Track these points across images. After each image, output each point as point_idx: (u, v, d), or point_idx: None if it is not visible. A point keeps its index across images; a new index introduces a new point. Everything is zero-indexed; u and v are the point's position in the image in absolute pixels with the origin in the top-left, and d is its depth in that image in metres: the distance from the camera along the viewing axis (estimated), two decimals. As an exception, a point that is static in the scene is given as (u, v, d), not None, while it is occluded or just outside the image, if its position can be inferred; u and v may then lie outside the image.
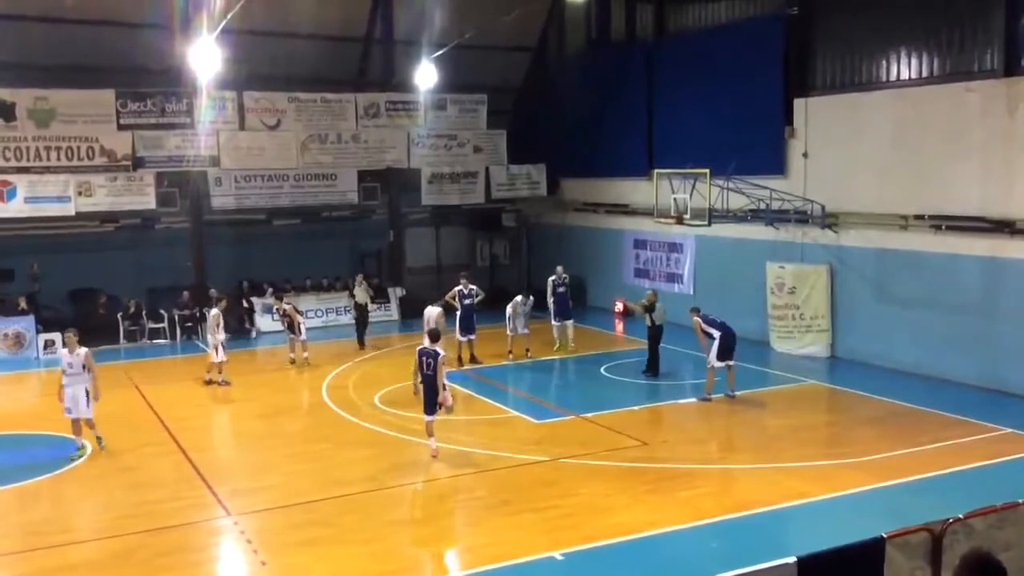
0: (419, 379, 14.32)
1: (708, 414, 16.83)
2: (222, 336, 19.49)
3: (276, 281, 26.68)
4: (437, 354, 14.16)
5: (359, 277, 24.38)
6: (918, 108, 18.88)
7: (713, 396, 17.38)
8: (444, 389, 14.18)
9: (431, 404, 14.20)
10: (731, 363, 17.52)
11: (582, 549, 10.72)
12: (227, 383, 19.41)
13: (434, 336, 14.71)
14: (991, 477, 12.97)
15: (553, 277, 22.59)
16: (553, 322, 22.45)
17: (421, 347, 14.44)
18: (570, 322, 22.43)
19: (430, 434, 14.35)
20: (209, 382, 19.53)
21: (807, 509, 12.00)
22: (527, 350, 21.61)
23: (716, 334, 17.37)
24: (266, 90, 26.08)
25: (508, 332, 21.58)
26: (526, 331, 21.65)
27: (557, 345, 22.29)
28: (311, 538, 11.32)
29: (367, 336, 23.72)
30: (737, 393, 17.56)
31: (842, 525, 10.98)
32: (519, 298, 21.94)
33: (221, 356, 19.40)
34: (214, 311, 19.77)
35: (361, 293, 23.67)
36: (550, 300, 22.45)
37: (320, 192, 26.92)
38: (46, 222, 23.76)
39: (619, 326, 26.27)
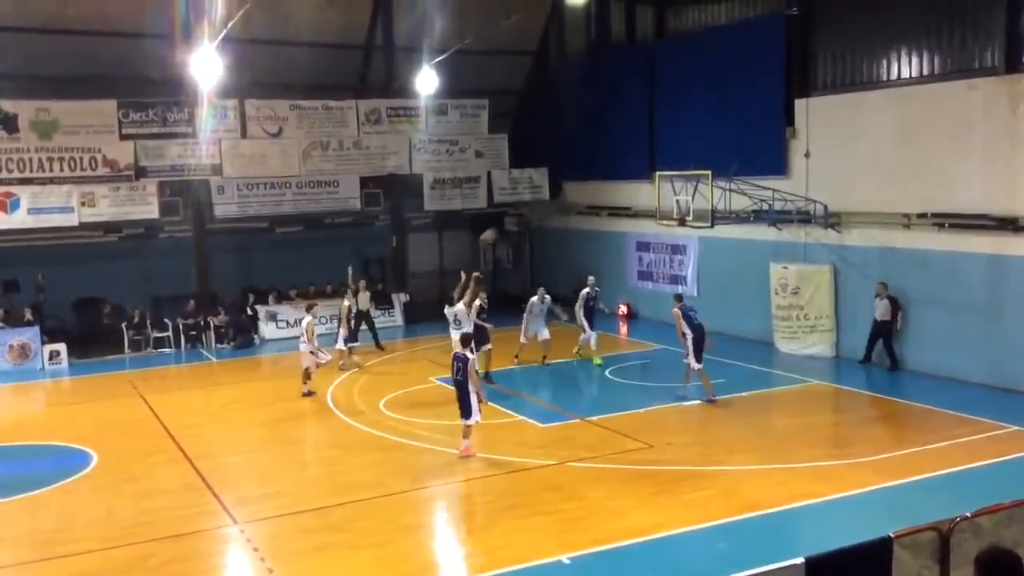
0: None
1: (712, 416, 16.81)
2: (317, 344, 19.09)
3: (281, 288, 26.73)
4: (466, 359, 14.33)
5: (363, 283, 23.98)
6: (920, 107, 18.87)
7: (717, 396, 17.38)
8: (475, 391, 14.34)
9: (462, 408, 14.37)
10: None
11: (590, 552, 10.72)
12: (311, 393, 18.92)
13: (464, 340, 14.87)
14: (998, 475, 12.95)
15: (587, 289, 21.07)
16: (591, 332, 20.88)
17: (454, 352, 14.82)
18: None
19: (465, 436, 14.49)
20: (310, 394, 18.99)
21: (814, 509, 11.99)
22: (544, 357, 21.04)
23: (690, 334, 17.31)
24: (267, 98, 26.13)
25: (522, 339, 20.90)
26: (546, 336, 20.79)
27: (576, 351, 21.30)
28: (319, 544, 11.32)
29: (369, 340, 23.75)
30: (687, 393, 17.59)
31: (849, 525, 10.98)
32: (535, 299, 21.12)
33: (326, 357, 19.12)
34: (308, 319, 19.33)
35: (364, 299, 23.57)
36: (581, 310, 20.95)
37: (323, 199, 26.95)
38: (50, 233, 23.82)
39: (623, 328, 26.26)
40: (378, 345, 23.54)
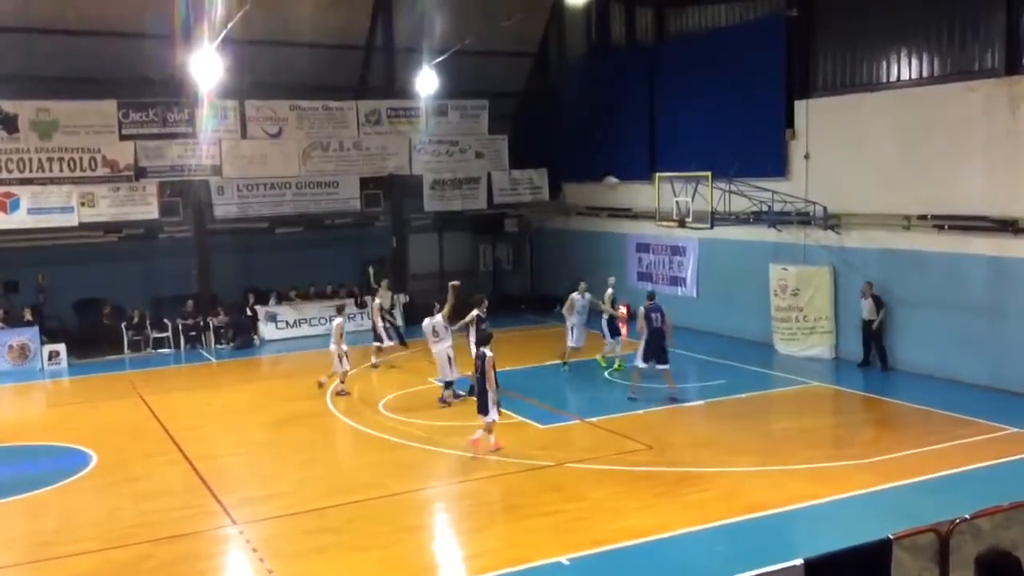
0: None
1: (712, 417, 16.80)
2: (345, 347, 19.06)
3: (281, 289, 26.71)
4: (483, 356, 14.50)
5: (385, 281, 24.11)
6: (920, 108, 18.87)
7: (636, 396, 17.67)
8: (491, 390, 14.42)
9: (479, 405, 14.59)
10: (665, 366, 17.64)
11: (589, 554, 10.72)
12: (347, 393, 18.95)
13: (484, 339, 14.98)
14: (998, 477, 12.95)
15: (609, 291, 20.69)
16: (612, 340, 20.67)
17: (477, 351, 15.02)
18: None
19: (488, 431, 14.65)
20: (321, 385, 19.09)
21: (814, 511, 11.99)
22: (563, 354, 20.55)
23: (645, 335, 17.62)
24: (267, 99, 26.12)
25: (571, 343, 20.35)
26: (583, 341, 20.26)
27: (617, 364, 20.41)
28: (319, 546, 11.33)
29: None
30: (676, 394, 17.71)
31: (849, 526, 10.96)
32: (575, 295, 20.45)
33: (345, 365, 19.02)
34: (338, 320, 19.45)
35: (387, 297, 23.62)
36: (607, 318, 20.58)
37: (323, 200, 26.93)
38: (50, 233, 23.80)
39: (623, 330, 26.22)
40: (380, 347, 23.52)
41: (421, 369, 21.06)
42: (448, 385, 18.03)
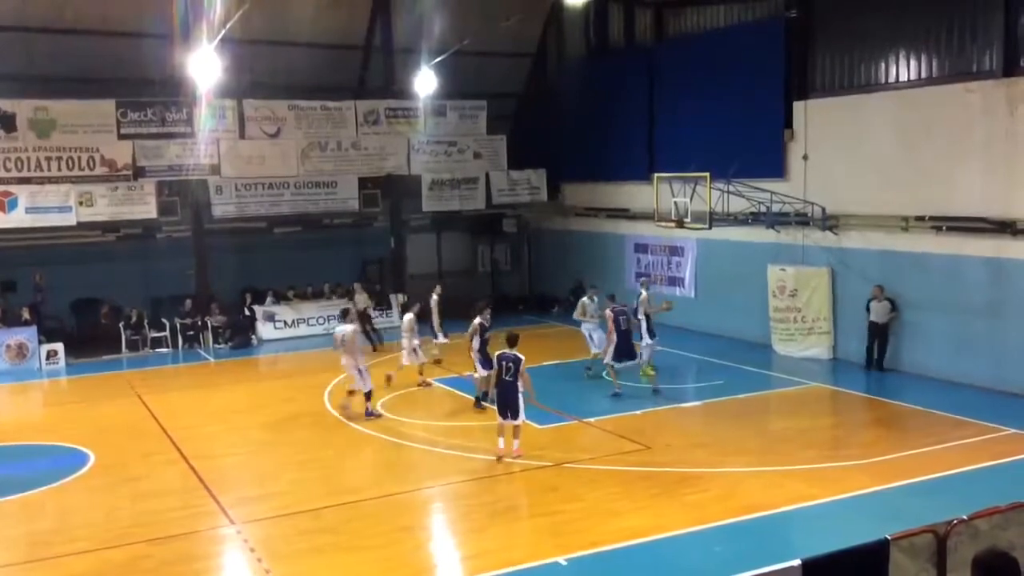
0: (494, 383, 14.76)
1: (710, 418, 16.81)
2: (417, 340, 19.48)
3: (279, 288, 26.70)
4: (518, 359, 14.33)
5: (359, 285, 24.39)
6: (918, 109, 18.89)
7: (621, 391, 17.95)
8: (526, 391, 14.35)
9: (504, 407, 14.35)
10: (634, 361, 18.27)
11: (587, 554, 10.71)
12: (428, 384, 19.56)
13: (512, 340, 14.76)
14: (995, 478, 12.95)
15: (644, 293, 19.31)
16: (651, 341, 19.12)
17: (500, 352, 14.64)
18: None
19: (500, 434, 14.53)
20: (389, 379, 19.26)
21: (811, 512, 12.00)
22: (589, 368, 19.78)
23: (615, 339, 18.00)
24: (266, 98, 26.09)
25: (593, 349, 19.68)
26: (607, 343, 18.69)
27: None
28: (317, 546, 11.32)
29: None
30: (661, 386, 18.25)
31: (846, 527, 10.96)
32: (585, 299, 20.11)
33: (422, 358, 19.64)
34: (409, 315, 19.74)
35: (362, 300, 23.63)
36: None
37: (321, 200, 26.90)
38: (47, 232, 23.77)
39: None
40: (373, 347, 23.54)
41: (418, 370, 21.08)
42: (369, 395, 17.26)
